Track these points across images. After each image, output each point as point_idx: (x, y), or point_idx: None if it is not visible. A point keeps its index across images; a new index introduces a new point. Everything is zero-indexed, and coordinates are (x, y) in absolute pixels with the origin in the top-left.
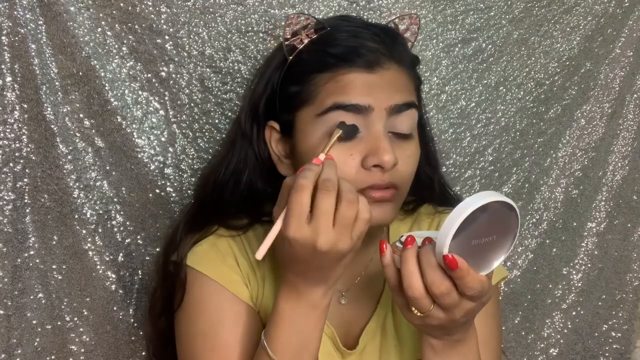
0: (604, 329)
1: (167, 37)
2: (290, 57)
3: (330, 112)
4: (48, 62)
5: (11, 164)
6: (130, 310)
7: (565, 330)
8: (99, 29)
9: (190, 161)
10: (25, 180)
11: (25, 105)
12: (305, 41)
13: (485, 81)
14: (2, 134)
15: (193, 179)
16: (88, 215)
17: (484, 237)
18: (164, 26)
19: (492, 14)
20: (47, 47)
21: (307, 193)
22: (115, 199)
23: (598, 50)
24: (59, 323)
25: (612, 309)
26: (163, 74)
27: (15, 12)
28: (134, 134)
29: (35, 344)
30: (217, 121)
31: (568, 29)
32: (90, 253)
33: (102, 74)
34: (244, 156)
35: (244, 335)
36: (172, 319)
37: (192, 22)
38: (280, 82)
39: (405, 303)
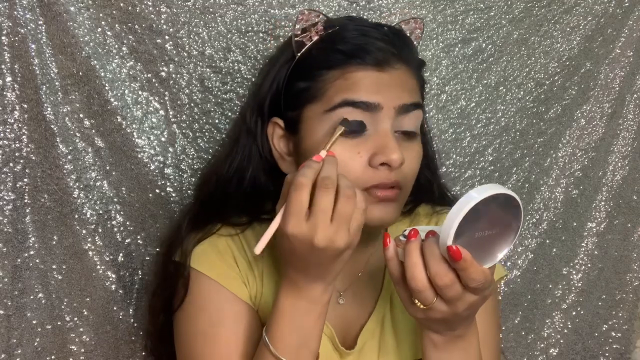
0: (604, 329)
1: (167, 37)
2: (299, 54)
3: (339, 109)
4: (48, 62)
5: (11, 164)
6: (130, 310)
7: (565, 330)
8: (99, 29)
9: (190, 161)
10: (25, 180)
11: (25, 105)
12: (315, 38)
13: (485, 81)
14: (2, 134)
15: (193, 179)
16: (88, 215)
17: (487, 230)
18: (164, 26)
19: (492, 14)
20: (47, 47)
21: (306, 191)
22: (115, 199)
23: (598, 50)
24: (59, 323)
25: (612, 309)
26: (163, 74)
27: (15, 12)
28: (134, 134)
29: (35, 344)
30: (217, 121)
31: (568, 29)
32: (90, 253)
33: (102, 74)
34: (248, 153)
35: (244, 334)
36: (171, 318)
37: (192, 22)
38: (288, 78)
39: (408, 296)
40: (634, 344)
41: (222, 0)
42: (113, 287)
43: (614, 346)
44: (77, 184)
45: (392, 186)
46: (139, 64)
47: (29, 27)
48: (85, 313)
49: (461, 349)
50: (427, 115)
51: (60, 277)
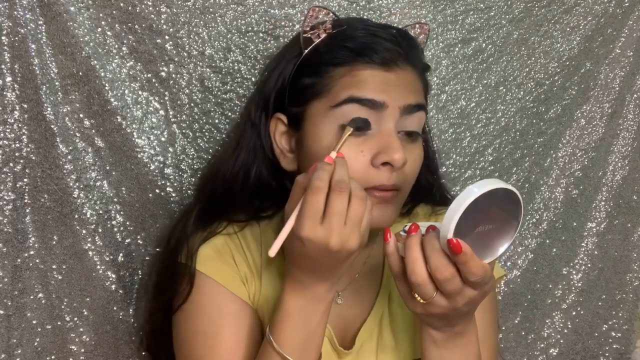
0: (604, 329)
1: (167, 37)
2: (307, 50)
3: (345, 105)
4: (48, 62)
5: (11, 164)
6: (130, 310)
7: (565, 330)
8: (99, 29)
9: (190, 161)
10: (25, 180)
11: (25, 105)
12: (323, 36)
13: (485, 81)
14: (2, 134)
15: (193, 179)
16: (88, 215)
17: (488, 225)
18: (164, 26)
19: (492, 14)
20: (47, 47)
21: (323, 195)
22: (115, 199)
23: (598, 50)
24: (59, 323)
25: (612, 309)
26: (163, 74)
27: (15, 12)
28: (134, 134)
29: (35, 344)
30: (217, 121)
31: (568, 29)
32: (90, 253)
33: (102, 74)
34: (253, 148)
35: (243, 333)
36: (170, 317)
37: (192, 22)
38: (294, 74)
39: (408, 291)
40: (634, 344)
41: (222, 0)
42: (113, 287)
43: (614, 346)
44: (77, 184)
45: (390, 189)
46: (139, 64)
47: (29, 27)
48: (85, 313)
49: (460, 346)
50: (427, 115)
51: (60, 277)
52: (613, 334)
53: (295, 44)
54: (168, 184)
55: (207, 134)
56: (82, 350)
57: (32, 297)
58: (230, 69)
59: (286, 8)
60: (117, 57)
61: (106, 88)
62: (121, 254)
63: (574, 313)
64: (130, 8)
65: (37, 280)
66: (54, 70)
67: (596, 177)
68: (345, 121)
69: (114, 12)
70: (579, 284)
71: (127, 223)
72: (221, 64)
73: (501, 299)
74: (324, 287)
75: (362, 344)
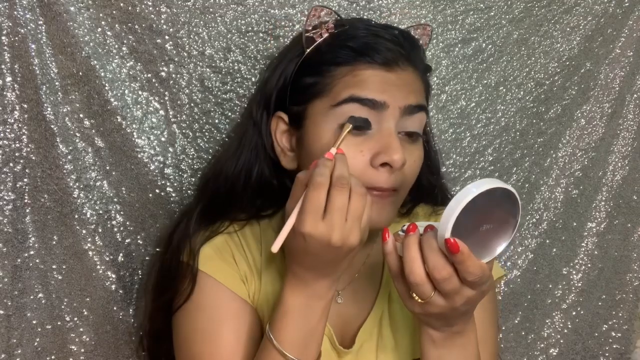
0: (604, 329)
1: (167, 37)
2: (309, 49)
3: (345, 104)
4: (48, 62)
5: (11, 164)
6: (130, 310)
7: (565, 330)
8: (99, 29)
9: (190, 161)
10: (25, 180)
11: (25, 105)
12: (325, 35)
13: (485, 81)
14: (2, 134)
15: (193, 179)
16: (88, 215)
17: (486, 224)
18: (164, 26)
19: (492, 14)
20: (47, 47)
21: (325, 190)
22: (115, 199)
23: (598, 50)
24: (59, 323)
25: (612, 309)
26: (163, 74)
27: (15, 12)
28: (134, 134)
29: (35, 344)
30: (217, 121)
31: (568, 29)
32: (90, 253)
33: (102, 74)
34: (255, 146)
35: (243, 332)
36: (170, 316)
37: (192, 22)
38: (295, 73)
39: (406, 290)
40: (634, 344)
41: (222, 0)
42: (113, 287)
43: (614, 346)
44: (77, 184)
45: (388, 190)
46: (139, 64)
47: (29, 27)
48: (85, 313)
49: (459, 346)
50: (428, 115)
51: (60, 277)
52: (613, 334)
53: (297, 43)
54: (168, 184)
55: (207, 134)
56: (82, 350)
57: (32, 297)
58: (230, 69)
59: (286, 8)
60: (117, 57)
61: (106, 88)
62: (121, 254)
63: (574, 313)
64: (130, 8)
65: (37, 280)
66: (54, 70)
67: (596, 177)
68: (346, 120)
69: (114, 12)
70: (579, 284)
71: (127, 223)
72: (221, 64)
73: (501, 299)
74: (325, 284)
75: (362, 343)
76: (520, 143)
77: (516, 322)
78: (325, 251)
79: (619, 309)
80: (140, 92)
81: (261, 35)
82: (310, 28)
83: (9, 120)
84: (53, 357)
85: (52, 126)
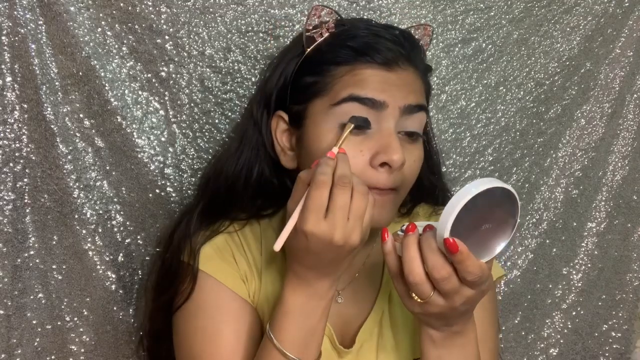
0: (604, 329)
1: (167, 37)
2: (309, 49)
3: (345, 103)
4: (48, 62)
5: (11, 164)
6: (130, 310)
7: (565, 330)
8: (99, 29)
9: (190, 161)
10: (25, 180)
11: (25, 105)
12: (325, 35)
13: (485, 81)
14: (2, 134)
15: (193, 179)
16: (88, 215)
17: (485, 224)
18: (164, 26)
19: (492, 14)
20: (47, 47)
21: (327, 189)
22: (115, 199)
23: (598, 50)
24: (59, 323)
25: (612, 309)
26: (163, 74)
27: (15, 12)
28: (134, 134)
29: (35, 344)
30: (217, 121)
31: (568, 29)
32: (90, 253)
33: (102, 74)
34: (255, 145)
35: (243, 331)
36: (170, 316)
37: (192, 22)
38: (296, 72)
39: (405, 290)
40: (634, 344)
41: (222, 0)
42: (113, 287)
43: (614, 346)
44: (77, 184)
45: (386, 189)
46: (139, 64)
47: (29, 27)
48: (85, 313)
49: (459, 346)
50: (429, 115)
51: (60, 277)
52: (613, 334)
53: (298, 42)
54: (168, 184)
55: (207, 134)
56: (82, 350)
57: (32, 297)
58: (230, 69)
59: (286, 8)
60: (117, 57)
61: (106, 88)
62: (121, 254)
63: (574, 313)
64: (130, 8)
65: (37, 280)
66: (54, 70)
67: (596, 177)
68: (346, 120)
69: (114, 12)
70: (579, 284)
71: (127, 223)
72: (221, 64)
73: (501, 299)
74: (326, 283)
75: (362, 343)
76: (520, 143)
77: (516, 322)
78: (327, 250)
79: (619, 309)
80: (140, 92)
81: (261, 35)
82: (310, 27)
83: (9, 120)
84: (53, 357)
85: (52, 126)
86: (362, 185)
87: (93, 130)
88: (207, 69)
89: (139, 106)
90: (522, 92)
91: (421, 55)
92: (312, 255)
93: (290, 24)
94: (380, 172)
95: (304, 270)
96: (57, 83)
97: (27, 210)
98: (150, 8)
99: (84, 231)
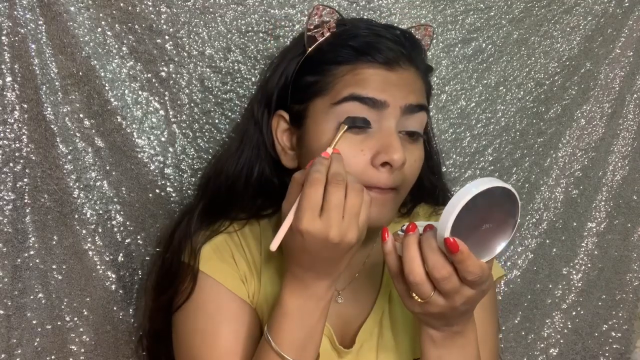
0: (604, 329)
1: (167, 37)
2: (310, 48)
3: (346, 103)
4: (48, 62)
5: (11, 164)
6: (130, 310)
7: (565, 330)
8: (99, 29)
9: (190, 161)
10: (25, 180)
11: (25, 105)
12: (326, 34)
13: (485, 81)
14: (2, 134)
15: (193, 179)
16: (88, 215)
17: (485, 224)
18: (164, 26)
19: (492, 14)
20: (47, 47)
21: (321, 187)
22: (115, 199)
23: (598, 50)
24: (59, 323)
25: (612, 309)
26: (163, 74)
27: (15, 12)
28: (134, 134)
29: (35, 344)
30: (217, 121)
31: (568, 29)
32: (90, 253)
33: (102, 74)
34: (256, 145)
35: (242, 332)
36: (170, 316)
37: (192, 22)
38: (297, 72)
39: (406, 290)
40: (634, 344)
41: (222, 0)
42: (113, 287)
43: (614, 346)
44: (77, 184)
45: (387, 189)
46: (139, 64)
47: (29, 27)
48: (85, 313)
49: (459, 346)
50: (429, 116)
51: (60, 277)
52: (613, 334)
53: (299, 42)
54: (168, 184)
55: (207, 134)
56: (82, 350)
57: (32, 297)
58: (230, 69)
59: (286, 8)
60: (117, 57)
61: (106, 88)
62: (121, 254)
63: (574, 313)
64: (130, 8)
65: (37, 280)
66: (54, 70)
67: (596, 177)
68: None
69: (114, 12)
70: (579, 284)
71: (127, 223)
72: (221, 64)
73: (501, 299)
74: (324, 284)
75: (362, 343)
76: (520, 143)
77: (516, 322)
78: (323, 248)
79: (619, 309)
80: (140, 92)
81: (261, 35)
82: (311, 27)
83: (9, 120)
84: (53, 357)
85: (52, 126)
86: (357, 183)
87: (93, 130)
88: (207, 69)
89: (139, 106)
90: (522, 92)
91: (422, 55)
92: (309, 254)
93: (290, 24)
94: (381, 172)
95: (302, 271)
96: (57, 83)
97: (27, 210)
98: (150, 8)
99: (84, 231)
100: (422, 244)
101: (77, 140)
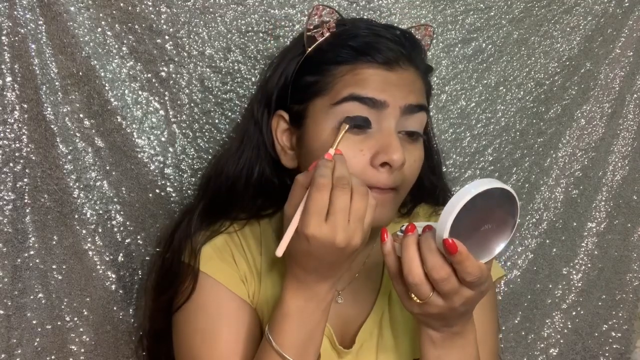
0: (604, 329)
1: (167, 37)
2: (310, 49)
3: (345, 103)
4: (48, 62)
5: (11, 164)
6: (130, 310)
7: (565, 330)
8: (99, 29)
9: (190, 161)
10: (25, 180)
11: (25, 105)
12: (326, 34)
13: (485, 81)
14: (2, 134)
15: (193, 179)
16: (88, 215)
17: (484, 225)
18: (164, 26)
19: (492, 14)
20: (47, 47)
21: (328, 191)
22: (115, 199)
23: (598, 50)
24: (59, 323)
25: (612, 309)
26: (163, 74)
27: (15, 12)
28: (134, 134)
29: (35, 344)
30: (217, 121)
31: (568, 29)
32: (90, 253)
33: (102, 74)
34: (256, 145)
35: (242, 332)
36: (170, 317)
37: (192, 22)
38: (296, 72)
39: (405, 291)
40: (634, 344)
41: (222, 0)
42: (113, 287)
43: (614, 346)
44: (77, 184)
45: (387, 189)
46: (139, 64)
47: (29, 27)
48: (85, 313)
49: (459, 347)
50: (429, 116)
51: (60, 277)
52: (613, 334)
53: (299, 42)
54: (168, 184)
55: (207, 134)
56: (82, 350)
57: (32, 297)
58: (230, 69)
59: (286, 8)
60: (117, 57)
61: (106, 88)
62: (121, 254)
63: (574, 313)
64: (130, 8)
65: (37, 280)
66: (54, 70)
67: (596, 177)
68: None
69: (114, 12)
70: (579, 284)
71: (127, 223)
72: (221, 64)
73: (501, 299)
74: (326, 286)
75: (362, 343)
76: (520, 143)
77: (516, 322)
78: (329, 253)
79: (619, 309)
80: (140, 92)
81: (261, 35)
82: (311, 27)
83: (9, 120)
84: (53, 357)
85: (52, 126)
86: (362, 186)
87: (93, 130)
88: (207, 69)
89: (139, 106)
90: (522, 92)
91: (422, 55)
92: (314, 258)
93: (290, 24)
94: (381, 172)
95: (304, 273)
96: (57, 83)
97: (27, 210)
98: (150, 8)
99: (84, 231)
100: (421, 244)
101: (77, 140)
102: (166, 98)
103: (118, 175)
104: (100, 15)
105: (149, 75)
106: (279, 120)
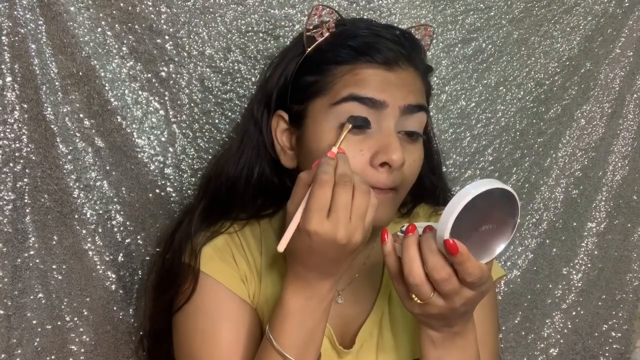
0: (604, 329)
1: (167, 37)
2: (309, 49)
3: (345, 103)
4: (48, 62)
5: (11, 164)
6: (130, 310)
7: (565, 330)
8: (99, 29)
9: (190, 161)
10: (25, 180)
11: (25, 105)
12: (326, 34)
13: (485, 81)
14: (2, 134)
15: (193, 179)
16: (88, 215)
17: (485, 225)
18: (164, 26)
19: (492, 14)
20: (47, 47)
21: (330, 188)
22: (115, 199)
23: (598, 50)
24: (59, 323)
25: (612, 309)
26: (163, 74)
27: (15, 12)
28: (134, 134)
29: (35, 344)
30: (217, 121)
31: (568, 29)
32: (90, 253)
33: (102, 74)
34: (256, 145)
35: (242, 332)
36: (170, 317)
37: (192, 22)
38: (296, 72)
39: (405, 291)
40: (634, 344)
41: (222, 0)
42: (113, 287)
43: (614, 346)
44: (77, 184)
45: (386, 189)
46: (139, 64)
47: (29, 27)
48: (85, 313)
49: (459, 347)
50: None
51: (60, 277)
52: (613, 334)
53: (298, 42)
54: (168, 184)
55: (207, 134)
56: (82, 350)
57: (32, 297)
58: (230, 69)
59: (286, 8)
60: (117, 57)
61: (106, 88)
62: (121, 254)
63: (574, 313)
64: (130, 8)
65: (37, 280)
66: (54, 70)
67: (596, 177)
68: (345, 119)
69: (114, 12)
70: (579, 284)
71: (127, 223)
72: (221, 64)
73: (501, 299)
74: (327, 284)
75: (362, 343)
76: (520, 143)
77: (516, 322)
78: (330, 249)
79: (619, 309)
80: (140, 92)
81: (261, 35)
82: (311, 27)
83: (9, 120)
84: (53, 357)
85: (52, 126)
86: (364, 184)
87: (93, 130)
88: (207, 69)
89: (139, 106)
90: (522, 92)
91: (421, 55)
92: (315, 255)
93: (290, 24)
94: (380, 172)
95: (305, 271)
96: (57, 83)
97: (27, 210)
98: (150, 8)
99: (84, 231)
100: (422, 245)
101: (77, 140)
102: (166, 98)
103: (118, 175)
104: (100, 15)
105: (149, 75)
106: (278, 120)
